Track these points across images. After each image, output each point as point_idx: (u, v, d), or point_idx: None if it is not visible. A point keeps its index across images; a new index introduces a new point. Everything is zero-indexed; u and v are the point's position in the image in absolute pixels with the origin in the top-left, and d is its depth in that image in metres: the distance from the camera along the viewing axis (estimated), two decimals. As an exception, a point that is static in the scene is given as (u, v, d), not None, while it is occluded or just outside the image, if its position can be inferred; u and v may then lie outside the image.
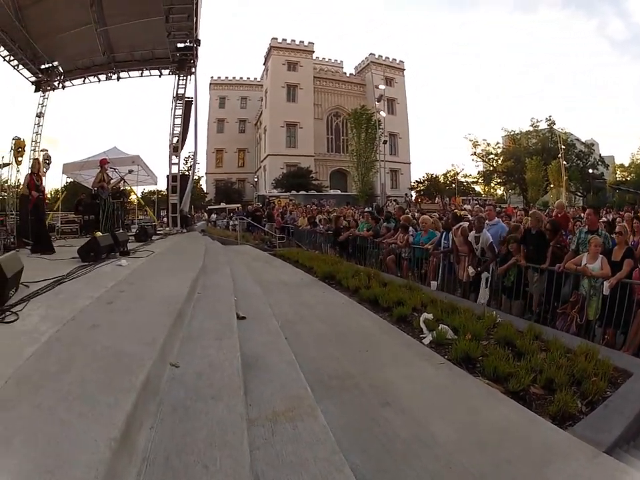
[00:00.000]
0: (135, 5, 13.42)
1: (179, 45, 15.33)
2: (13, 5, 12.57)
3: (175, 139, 16.04)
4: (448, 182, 54.71)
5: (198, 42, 15.26)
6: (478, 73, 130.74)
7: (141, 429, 1.93)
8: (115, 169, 11.68)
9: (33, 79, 16.45)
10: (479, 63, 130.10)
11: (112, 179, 10.92)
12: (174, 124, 15.97)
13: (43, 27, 14.03)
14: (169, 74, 16.47)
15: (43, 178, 7.87)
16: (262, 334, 3.75)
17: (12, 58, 14.91)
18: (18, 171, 10.50)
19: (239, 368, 2.61)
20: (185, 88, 16.08)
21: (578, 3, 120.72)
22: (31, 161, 8.56)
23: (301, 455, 2.00)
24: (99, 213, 10.74)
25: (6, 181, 9.84)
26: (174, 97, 15.97)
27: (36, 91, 16.60)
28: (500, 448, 2.46)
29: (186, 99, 16.06)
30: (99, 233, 7.67)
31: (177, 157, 16.44)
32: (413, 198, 41.68)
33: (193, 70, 16.07)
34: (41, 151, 13.92)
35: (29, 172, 8.02)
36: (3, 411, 1.78)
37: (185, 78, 16.11)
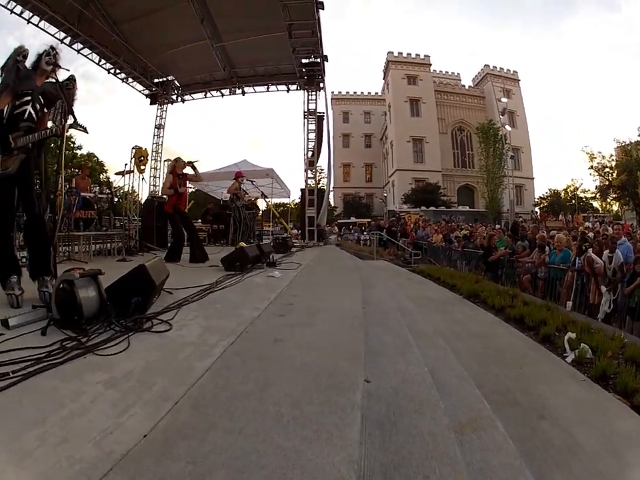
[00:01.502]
0: (250, 22, 13.65)
1: (304, 61, 15.52)
2: (105, 20, 13.33)
3: (310, 154, 16.43)
4: (568, 197, 51.50)
5: (325, 57, 15.25)
6: (588, 79, 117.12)
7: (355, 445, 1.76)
8: (252, 181, 11.93)
9: (147, 92, 17.71)
10: (586, 68, 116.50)
11: (246, 192, 10.95)
12: (308, 139, 16.35)
13: (148, 42, 14.83)
14: (297, 89, 16.82)
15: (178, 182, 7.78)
16: (430, 349, 3.75)
17: (118, 71, 16.06)
18: (142, 179, 10.99)
19: (431, 383, 2.58)
20: (316, 103, 16.34)
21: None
22: (169, 162, 8.71)
23: (488, 462, 2.11)
24: (229, 223, 10.90)
25: (122, 188, 10.32)
26: (305, 112, 16.28)
27: (152, 103, 17.87)
28: (633, 455, 2.68)
29: (318, 114, 16.32)
30: (243, 243, 7.69)
31: (312, 171, 16.90)
32: (537, 215, 40.38)
33: (322, 85, 16.25)
34: (165, 161, 14.67)
35: (170, 171, 7.95)
36: (186, 439, 1.57)
37: (314, 93, 16.33)
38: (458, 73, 60.06)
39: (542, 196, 53.90)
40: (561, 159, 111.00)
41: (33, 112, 3.66)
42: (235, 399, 1.90)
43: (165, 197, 8.32)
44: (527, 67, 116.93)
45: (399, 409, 2.18)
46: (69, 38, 13.62)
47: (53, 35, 13.07)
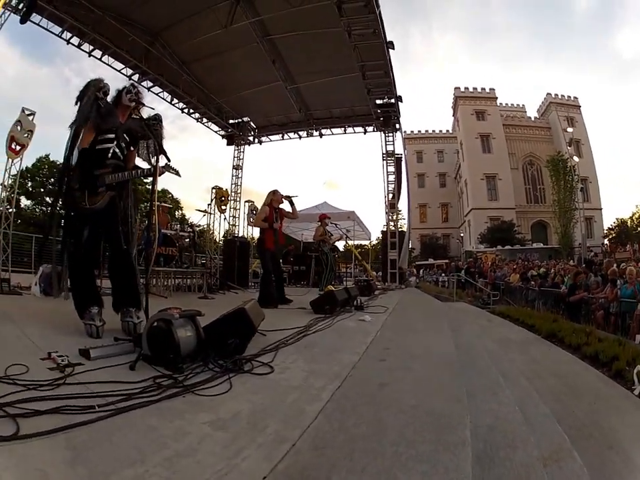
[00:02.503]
0: (322, 63, 13.67)
1: (379, 102, 15.54)
2: (173, 58, 13.43)
3: (391, 196, 16.49)
4: (634, 225, 48.00)
5: (399, 98, 15.23)
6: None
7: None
8: (335, 224, 12.02)
9: (223, 133, 18.13)
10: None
11: (332, 234, 10.95)
12: (387, 181, 16.45)
13: (220, 82, 15.08)
14: (373, 130, 16.84)
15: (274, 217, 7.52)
16: (515, 388, 3.87)
17: (192, 110, 16.43)
18: (225, 219, 11.40)
19: (522, 419, 2.75)
20: (394, 144, 16.41)
21: None
22: (249, 203, 8.74)
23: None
24: (311, 265, 11.08)
25: (201, 226, 10.57)
26: (383, 154, 16.39)
27: (228, 144, 18.27)
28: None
29: (396, 156, 16.39)
30: (331, 287, 7.62)
31: (393, 213, 16.91)
32: (607, 247, 38.85)
33: (398, 126, 16.28)
34: (246, 202, 14.79)
35: (266, 204, 7.55)
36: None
37: (391, 134, 16.39)
38: (523, 105, 59.15)
39: (610, 226, 51.28)
40: (625, 185, 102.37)
41: (118, 150, 3.69)
42: (352, 441, 1.94)
43: (246, 236, 8.26)
44: (585, 91, 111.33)
45: (495, 444, 2.34)
46: (137, 75, 13.81)
47: (119, 71, 13.31)
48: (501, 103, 56.62)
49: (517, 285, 16.35)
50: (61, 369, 2.44)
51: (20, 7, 9.79)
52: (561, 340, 7.21)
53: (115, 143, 3.66)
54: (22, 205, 31.84)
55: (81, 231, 3.57)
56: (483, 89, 55.83)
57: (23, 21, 9.77)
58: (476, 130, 54.03)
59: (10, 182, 7.30)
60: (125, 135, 3.74)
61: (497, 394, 3.22)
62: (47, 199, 32.76)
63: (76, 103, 3.63)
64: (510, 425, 2.64)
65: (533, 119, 56.72)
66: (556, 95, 55.10)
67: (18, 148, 6.91)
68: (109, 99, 3.71)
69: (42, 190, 33.03)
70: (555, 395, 4.33)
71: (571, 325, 8.30)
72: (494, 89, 55.87)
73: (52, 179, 32.86)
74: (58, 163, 32.47)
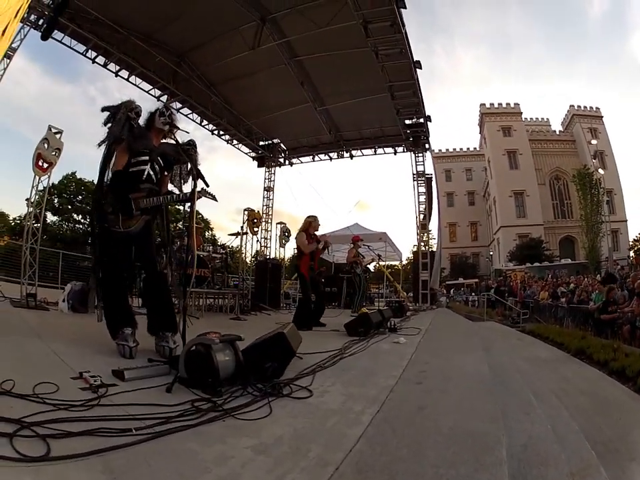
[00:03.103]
0: (350, 84, 13.77)
1: (407, 122, 15.55)
2: (201, 80, 13.68)
3: (422, 216, 16.46)
4: None
5: (428, 118, 15.20)
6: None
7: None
8: (368, 246, 12.05)
9: (253, 154, 18.27)
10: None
11: (364, 256, 11.02)
12: (419, 201, 16.44)
13: (250, 104, 15.33)
14: (403, 151, 16.85)
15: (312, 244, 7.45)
16: (546, 406, 3.85)
17: (222, 132, 16.63)
18: (258, 241, 11.73)
19: (554, 438, 2.83)
20: (424, 165, 16.42)
21: None
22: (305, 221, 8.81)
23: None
24: (342, 286, 11.22)
25: (232, 247, 10.73)
26: (414, 175, 16.41)
27: (259, 166, 18.45)
28: None
29: (426, 176, 16.37)
30: (365, 309, 7.48)
31: (425, 233, 16.85)
32: (633, 259, 36.95)
33: (427, 146, 16.30)
34: (278, 223, 14.78)
35: (303, 229, 7.56)
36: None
37: (421, 154, 16.41)
38: (547, 118, 58.75)
39: (635, 238, 49.26)
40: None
41: (152, 173, 3.68)
42: (395, 463, 1.98)
43: (277, 258, 8.27)
44: (606, 100, 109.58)
45: (528, 463, 2.39)
46: (166, 96, 13.87)
47: (147, 92, 13.44)
48: (525, 118, 56.41)
49: (546, 302, 16.27)
50: (93, 390, 2.41)
51: (40, 22, 9.89)
52: (590, 356, 7.25)
53: (149, 165, 3.66)
54: (48, 221, 32.40)
55: (115, 253, 3.58)
56: (508, 104, 55.74)
57: (44, 38, 9.78)
58: (503, 146, 53.83)
59: (37, 198, 7.34)
60: (159, 159, 3.74)
61: (530, 413, 3.34)
62: (75, 215, 33.64)
63: (105, 123, 3.63)
64: (542, 443, 2.76)
65: (557, 132, 56.30)
66: (579, 106, 54.73)
67: (45, 165, 6.95)
68: (140, 120, 3.71)
69: (69, 207, 33.64)
70: (584, 411, 4.33)
71: (599, 341, 8.36)
72: (518, 104, 55.73)
73: (79, 197, 33.72)
74: (85, 180, 33.61)
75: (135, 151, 3.59)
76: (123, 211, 3.51)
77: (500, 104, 55.65)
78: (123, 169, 3.56)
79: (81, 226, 33.77)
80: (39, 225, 7.52)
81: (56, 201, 33.19)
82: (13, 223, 34.45)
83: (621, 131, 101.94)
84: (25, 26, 9.71)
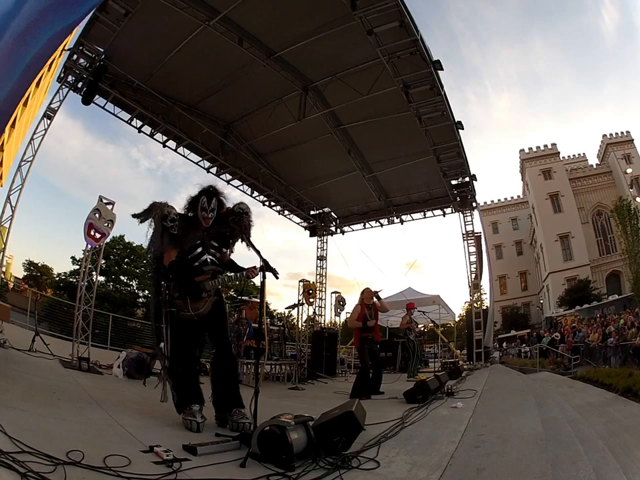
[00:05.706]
0: (396, 150, 14.05)
1: (453, 182, 15.64)
2: (250, 151, 14.07)
3: (473, 276, 16.32)
4: None
5: (474, 177, 15.35)
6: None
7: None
8: (423, 312, 12.25)
9: (305, 224, 18.44)
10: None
11: (417, 323, 11.24)
12: (470, 261, 16.34)
13: (299, 174, 15.73)
14: (452, 212, 16.81)
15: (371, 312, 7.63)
16: (593, 451, 3.89)
17: (273, 203, 16.93)
18: (314, 310, 12.24)
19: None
20: (472, 224, 16.39)
21: None
22: (336, 294, 9.03)
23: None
24: (397, 351, 11.53)
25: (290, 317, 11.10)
26: (464, 235, 16.36)
27: (311, 235, 18.53)
28: None
29: (475, 234, 16.35)
30: (422, 376, 7.78)
31: (477, 293, 16.69)
32: None
33: (474, 204, 16.28)
34: (333, 293, 15.02)
35: (359, 303, 7.74)
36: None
37: (469, 214, 16.39)
38: (584, 153, 58.00)
39: None
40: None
41: (212, 258, 3.87)
42: None
43: (333, 327, 8.46)
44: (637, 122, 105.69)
45: None
46: (216, 168, 14.30)
47: (196, 163, 13.77)
48: (563, 157, 55.94)
49: (596, 344, 16.30)
50: (167, 464, 2.44)
51: (79, 85, 10.10)
52: (636, 393, 7.34)
53: (206, 253, 3.83)
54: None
55: (185, 335, 3.73)
56: (546, 145, 55.31)
57: (85, 102, 9.93)
58: (545, 190, 53.22)
59: (88, 265, 7.67)
60: (212, 242, 3.91)
61: (576, 462, 3.44)
62: (122, 277, 35.09)
63: (140, 222, 3.84)
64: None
65: (594, 166, 55.25)
66: (611, 134, 53.51)
67: (98, 236, 7.18)
68: (183, 201, 3.94)
69: (117, 268, 35.05)
70: (628, 449, 4.40)
71: (647, 377, 8.48)
72: (555, 144, 55.14)
73: (126, 259, 35.29)
74: (133, 244, 35.22)
75: (185, 248, 3.77)
76: (190, 294, 3.68)
77: (538, 147, 55.37)
78: (178, 258, 3.72)
79: (128, 288, 35.19)
80: (91, 287, 7.81)
81: (103, 262, 34.58)
82: (57, 278, 36.68)
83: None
84: (64, 87, 9.98)
